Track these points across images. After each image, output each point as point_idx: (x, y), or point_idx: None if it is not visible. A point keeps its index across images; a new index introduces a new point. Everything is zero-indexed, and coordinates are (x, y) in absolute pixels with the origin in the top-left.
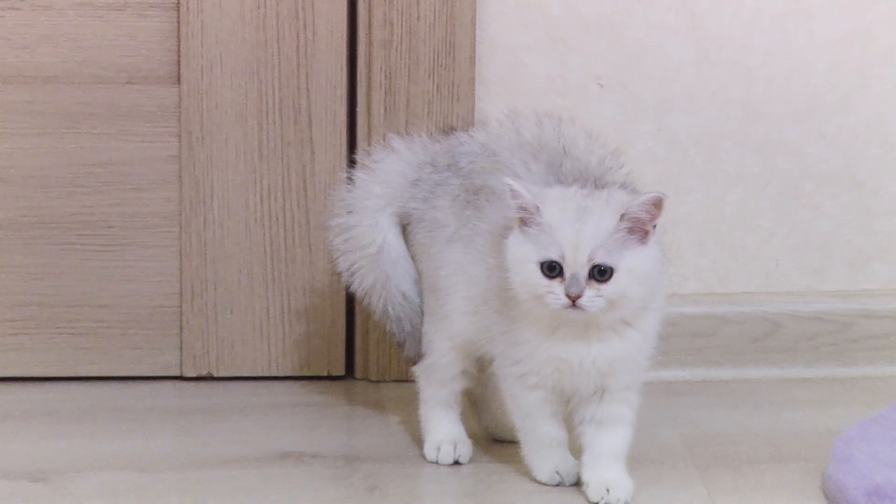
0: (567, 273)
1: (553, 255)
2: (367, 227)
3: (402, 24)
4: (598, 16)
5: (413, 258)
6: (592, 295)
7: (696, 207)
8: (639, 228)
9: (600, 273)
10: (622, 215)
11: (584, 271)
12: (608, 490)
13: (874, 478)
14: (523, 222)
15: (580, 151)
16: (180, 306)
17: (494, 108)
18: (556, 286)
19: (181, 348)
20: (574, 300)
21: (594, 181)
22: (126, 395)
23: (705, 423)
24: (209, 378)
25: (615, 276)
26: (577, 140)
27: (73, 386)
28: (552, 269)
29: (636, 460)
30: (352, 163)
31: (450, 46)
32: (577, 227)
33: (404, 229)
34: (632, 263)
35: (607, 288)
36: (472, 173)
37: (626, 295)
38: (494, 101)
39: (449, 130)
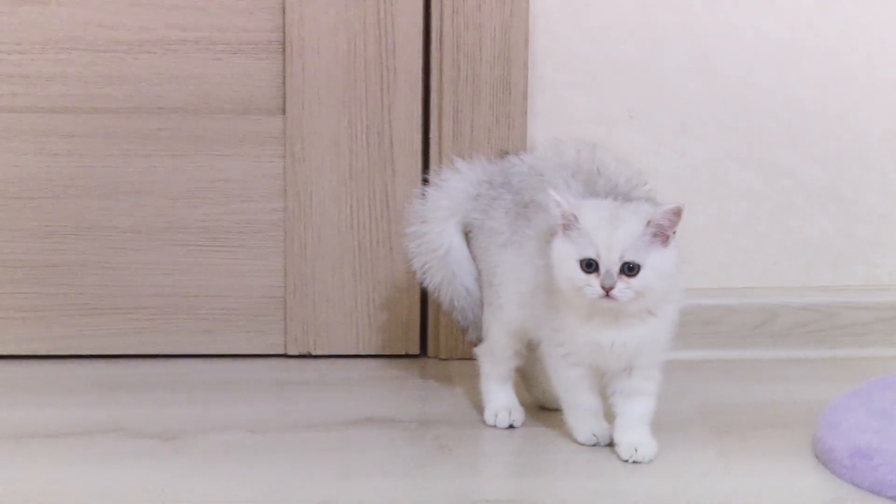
0: (602, 269)
1: (591, 254)
2: (437, 233)
3: (467, 66)
4: (627, 60)
5: (474, 259)
6: (623, 287)
7: (708, 218)
8: (661, 233)
9: (629, 269)
10: (648, 222)
11: (616, 267)
12: (636, 449)
13: (857, 441)
14: (565, 228)
15: (611, 172)
16: (284, 297)
17: (542, 136)
18: (594, 280)
19: (285, 331)
20: (608, 291)
21: (623, 196)
22: (239, 369)
23: (716, 395)
24: (308, 356)
25: (642, 271)
26: (609, 162)
27: (195, 362)
28: (590, 266)
29: (659, 426)
30: (424, 181)
31: (506, 85)
32: (610, 231)
33: (467, 236)
34: (655, 261)
35: (635, 282)
36: (522, 190)
37: (651, 287)
38: (542, 130)
39: (503, 154)
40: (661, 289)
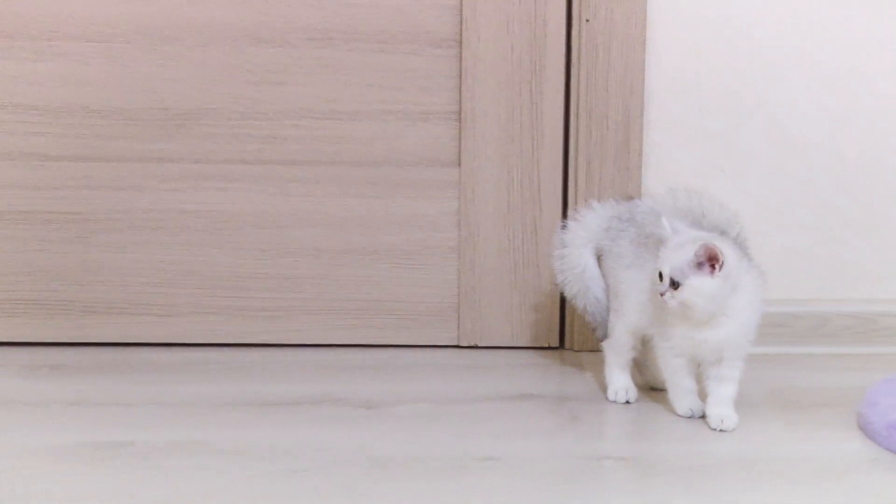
0: (662, 279)
1: (660, 267)
2: (575, 256)
3: (597, 131)
4: (718, 127)
5: (603, 276)
6: (669, 296)
7: (776, 246)
8: (706, 263)
9: (673, 284)
10: (694, 253)
11: (667, 281)
12: (722, 420)
13: (891, 416)
14: (663, 244)
15: (714, 214)
16: (458, 303)
17: (652, 184)
18: (658, 286)
19: (458, 328)
20: (661, 295)
21: (720, 232)
22: (424, 356)
23: (783, 381)
24: (475, 347)
25: (681, 287)
26: (712, 206)
27: (391, 350)
28: (660, 276)
29: (740, 403)
30: (564, 216)
31: (625, 145)
32: (671, 255)
33: (598, 258)
34: (693, 283)
35: (678, 293)
36: (644, 225)
37: (689, 300)
38: (652, 180)
39: (629, 198)
40: (698, 304)
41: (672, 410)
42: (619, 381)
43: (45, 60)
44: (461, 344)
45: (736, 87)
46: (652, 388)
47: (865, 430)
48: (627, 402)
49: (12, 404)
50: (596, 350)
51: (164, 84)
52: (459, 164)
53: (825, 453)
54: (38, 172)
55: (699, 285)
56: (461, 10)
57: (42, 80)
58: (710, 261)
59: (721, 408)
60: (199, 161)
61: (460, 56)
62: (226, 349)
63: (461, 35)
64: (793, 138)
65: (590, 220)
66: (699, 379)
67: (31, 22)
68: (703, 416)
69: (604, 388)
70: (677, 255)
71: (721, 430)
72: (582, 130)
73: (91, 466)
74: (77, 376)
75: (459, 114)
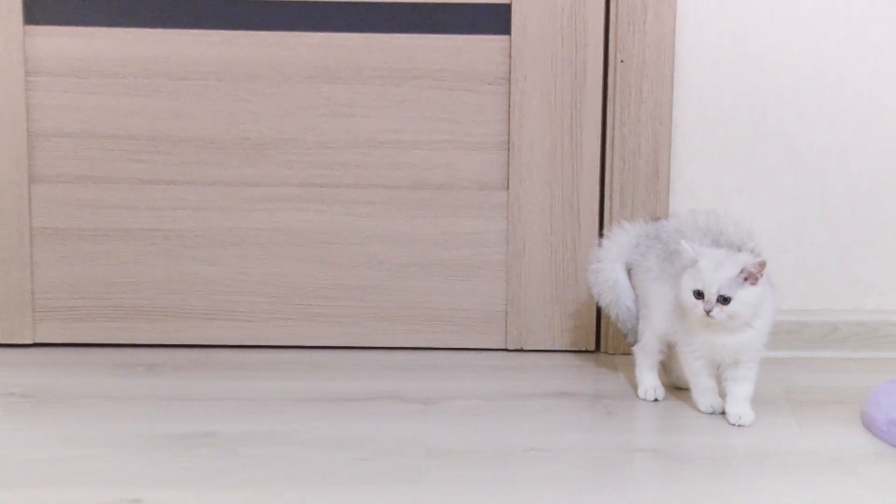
0: (705, 297)
1: (699, 287)
2: (608, 270)
3: (630, 160)
4: (737, 154)
5: (633, 287)
6: (718, 311)
7: (791, 261)
8: (751, 276)
9: (724, 300)
10: (741, 269)
11: (714, 297)
12: (740, 417)
13: (892, 414)
14: (690, 266)
15: (731, 233)
16: (506, 311)
17: (680, 206)
18: (700, 304)
19: (506, 333)
20: (708, 313)
21: (737, 248)
22: (475, 358)
23: (795, 381)
24: (520, 350)
25: (732, 302)
26: (729, 226)
27: (447, 353)
28: (699, 295)
29: (756, 401)
30: (600, 235)
31: (655, 172)
32: (713, 273)
33: (629, 272)
34: (742, 296)
35: (727, 308)
36: (668, 242)
37: (738, 312)
38: (679, 202)
39: (655, 218)
40: (746, 314)
41: (695, 407)
42: (648, 381)
43: (142, 96)
44: (508, 347)
45: (754, 118)
46: (677, 387)
47: (869, 426)
48: (656, 400)
49: (113, 398)
50: (627, 353)
51: (247, 117)
52: (508, 188)
53: (833, 447)
54: (137, 194)
55: (747, 297)
56: (510, 53)
57: (140, 114)
58: (756, 273)
59: (739, 405)
60: (276, 185)
61: (509, 93)
62: (299, 351)
63: (510, 74)
64: (806, 165)
65: (621, 239)
66: (719, 379)
67: (129, 62)
68: (723, 413)
69: (635, 387)
70: (721, 274)
71: (739, 426)
72: (616, 159)
73: (179, 454)
74: (169, 374)
75: (508, 143)
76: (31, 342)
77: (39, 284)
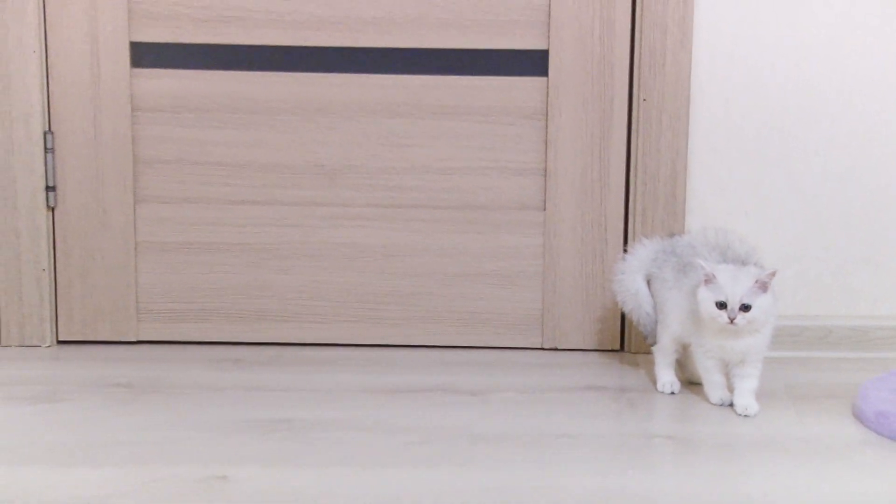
0: (728, 307)
1: (722, 298)
2: (630, 281)
3: (651, 184)
4: (744, 179)
5: (652, 296)
6: (740, 318)
7: (792, 273)
8: (763, 285)
9: (745, 308)
10: (756, 280)
11: (737, 307)
12: (746, 408)
13: (879, 406)
14: (706, 281)
15: (737, 247)
16: (542, 315)
17: (695, 224)
18: (723, 313)
19: (542, 334)
20: (732, 321)
21: (743, 262)
22: (515, 356)
23: (795, 378)
24: (555, 349)
25: (752, 309)
26: (736, 241)
27: (491, 351)
28: (721, 306)
29: (760, 395)
30: (624, 250)
31: (672, 193)
32: (733, 285)
33: (648, 282)
34: (759, 303)
35: (748, 315)
36: (683, 256)
37: (757, 318)
38: (693, 220)
39: (671, 234)
40: (762, 319)
41: (706, 400)
42: (666, 377)
43: (229, 129)
44: (544, 346)
45: (760, 147)
46: (691, 382)
47: (859, 417)
48: (672, 393)
49: (202, 389)
50: (648, 353)
51: (319, 146)
52: (544, 209)
53: (828, 435)
54: (224, 213)
55: (764, 303)
56: (547, 92)
57: (227, 144)
58: (768, 282)
59: (745, 398)
60: (343, 205)
61: (546, 126)
62: (363, 349)
63: (547, 110)
64: (806, 189)
65: (641, 253)
66: (727, 376)
67: (217, 99)
68: (731, 405)
69: (654, 381)
70: (740, 286)
71: (745, 416)
72: (639, 183)
73: (260, 437)
74: (250, 368)
75: (545, 170)
76: (135, 339)
77: (142, 290)
